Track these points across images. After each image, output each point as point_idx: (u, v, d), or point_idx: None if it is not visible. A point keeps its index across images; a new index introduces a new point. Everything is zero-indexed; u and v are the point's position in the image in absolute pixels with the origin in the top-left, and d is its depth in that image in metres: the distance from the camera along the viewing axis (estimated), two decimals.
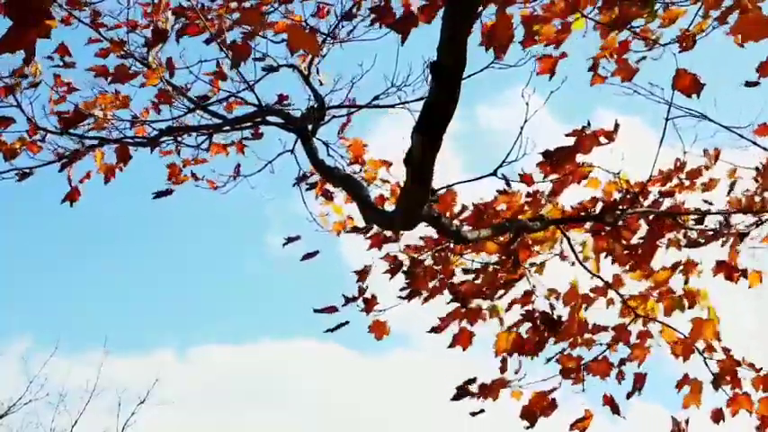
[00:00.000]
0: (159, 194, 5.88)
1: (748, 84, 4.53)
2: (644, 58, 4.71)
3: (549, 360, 5.26)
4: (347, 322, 5.37)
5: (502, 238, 5.05)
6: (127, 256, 26.58)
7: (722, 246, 5.42)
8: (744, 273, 5.41)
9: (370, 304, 5.43)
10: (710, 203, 5.49)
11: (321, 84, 5.68)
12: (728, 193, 5.45)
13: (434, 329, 5.37)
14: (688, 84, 4.28)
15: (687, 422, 4.93)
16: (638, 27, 4.61)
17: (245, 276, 27.98)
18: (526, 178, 4.89)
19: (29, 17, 2.71)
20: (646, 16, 4.54)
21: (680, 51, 4.54)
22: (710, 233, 5.46)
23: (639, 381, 5.23)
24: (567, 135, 4.75)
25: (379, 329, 5.51)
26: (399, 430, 23.14)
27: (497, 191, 5.10)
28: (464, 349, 5.32)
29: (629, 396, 5.24)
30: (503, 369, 5.24)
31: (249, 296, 27.95)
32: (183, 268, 27.77)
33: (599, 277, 5.26)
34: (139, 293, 26.59)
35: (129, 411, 17.97)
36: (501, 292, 5.36)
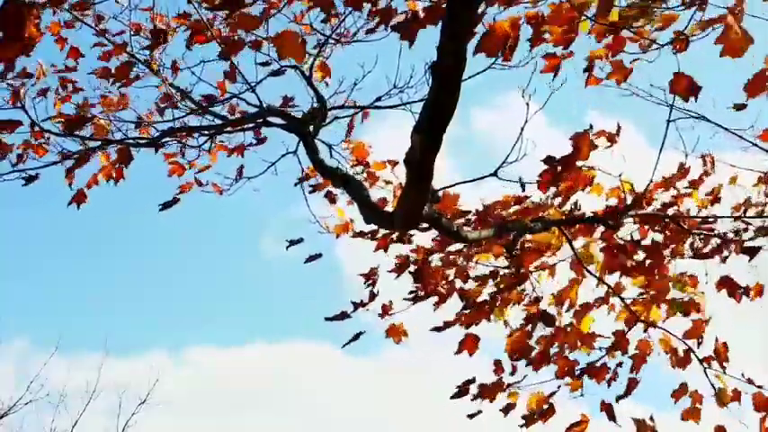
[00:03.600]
0: (165, 205, 5.87)
1: (737, 107, 4.54)
2: (637, 59, 4.69)
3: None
4: (362, 332, 5.40)
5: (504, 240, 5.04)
6: (121, 258, 26.74)
7: (723, 261, 5.39)
8: (746, 290, 5.36)
9: (384, 309, 5.48)
10: (721, 217, 5.46)
11: (327, 85, 5.69)
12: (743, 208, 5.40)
13: (438, 329, 5.39)
14: (685, 87, 4.27)
15: (652, 418, 4.91)
16: (634, 29, 4.60)
17: (239, 278, 28.22)
18: (542, 187, 4.86)
19: (16, 30, 2.76)
20: (643, 20, 4.53)
21: (674, 53, 4.52)
22: (717, 244, 5.44)
23: (632, 385, 5.27)
24: (570, 138, 4.75)
25: (395, 333, 5.59)
26: (397, 430, 23.17)
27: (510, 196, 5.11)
28: (470, 354, 5.34)
29: (618, 399, 5.25)
30: (497, 371, 5.25)
31: (244, 298, 28.22)
32: (179, 270, 28.03)
33: (602, 281, 5.24)
34: (133, 295, 26.77)
35: (126, 413, 18.00)
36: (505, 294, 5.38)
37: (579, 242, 5.31)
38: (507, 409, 5.28)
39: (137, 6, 5.13)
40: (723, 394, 5.15)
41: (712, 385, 5.17)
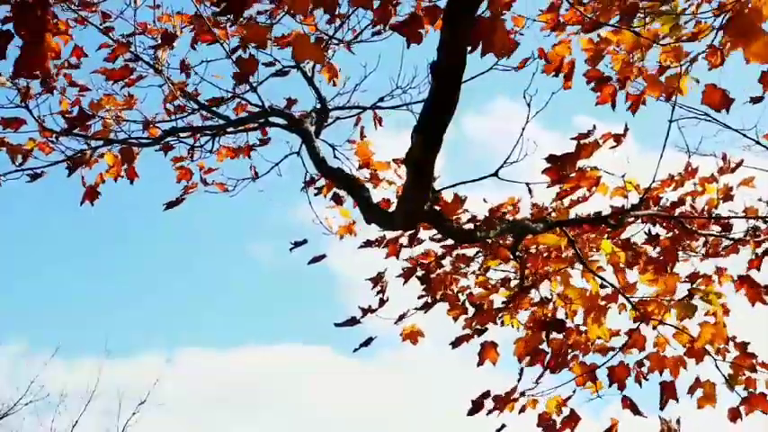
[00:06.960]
0: (170, 205, 5.90)
1: (753, 99, 4.46)
2: (675, 72, 4.61)
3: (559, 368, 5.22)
4: (374, 337, 5.41)
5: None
6: (120, 260, 26.94)
7: (757, 268, 5.32)
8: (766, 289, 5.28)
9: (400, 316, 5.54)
10: (735, 212, 5.41)
11: (335, 85, 5.69)
12: None
13: (454, 344, 5.39)
14: (718, 99, 4.19)
15: (678, 421, 4.85)
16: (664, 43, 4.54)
17: (238, 280, 28.46)
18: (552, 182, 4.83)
19: (37, 33, 2.66)
20: (671, 31, 4.47)
21: (710, 69, 4.44)
22: (732, 243, 5.39)
23: (669, 389, 5.13)
24: (572, 139, 4.72)
25: (413, 336, 5.66)
26: (396, 431, 23.22)
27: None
28: (494, 364, 5.30)
29: (662, 407, 5.13)
30: (519, 379, 5.19)
31: (241, 300, 28.35)
32: (177, 272, 28.17)
33: (609, 283, 5.20)
34: (133, 297, 26.93)
35: (123, 414, 18.07)
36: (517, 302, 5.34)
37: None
38: (543, 421, 5.20)
39: (142, 3, 5.13)
40: (734, 379, 5.09)
41: (722, 374, 5.10)
